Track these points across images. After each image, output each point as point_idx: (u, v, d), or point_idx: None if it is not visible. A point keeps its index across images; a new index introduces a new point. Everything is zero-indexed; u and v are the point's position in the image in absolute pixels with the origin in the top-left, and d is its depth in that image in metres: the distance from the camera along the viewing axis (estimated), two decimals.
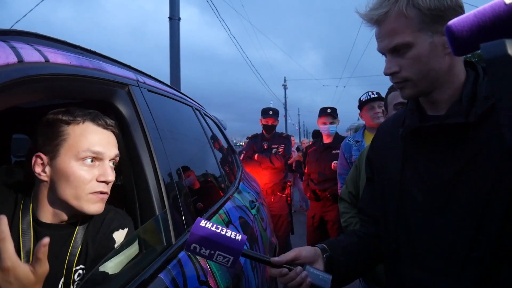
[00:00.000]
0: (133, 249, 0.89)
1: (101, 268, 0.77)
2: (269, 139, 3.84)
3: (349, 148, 2.58)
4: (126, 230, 0.93)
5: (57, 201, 0.86)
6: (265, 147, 3.80)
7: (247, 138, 4.16)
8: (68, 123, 0.87)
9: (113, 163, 0.92)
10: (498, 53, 0.34)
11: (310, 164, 3.48)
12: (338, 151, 3.22)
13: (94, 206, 0.86)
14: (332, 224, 3.23)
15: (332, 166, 3.20)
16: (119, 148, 1.07)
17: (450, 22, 0.43)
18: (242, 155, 3.84)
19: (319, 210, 3.31)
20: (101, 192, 0.87)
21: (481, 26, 0.40)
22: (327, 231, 3.29)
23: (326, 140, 3.37)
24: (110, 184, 0.90)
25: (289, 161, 4.01)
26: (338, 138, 3.31)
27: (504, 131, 0.34)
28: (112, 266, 0.80)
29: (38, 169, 0.85)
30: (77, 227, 0.90)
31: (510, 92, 0.34)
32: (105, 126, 0.91)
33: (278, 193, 3.75)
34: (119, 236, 0.92)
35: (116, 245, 0.89)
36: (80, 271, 0.87)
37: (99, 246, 0.89)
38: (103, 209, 0.89)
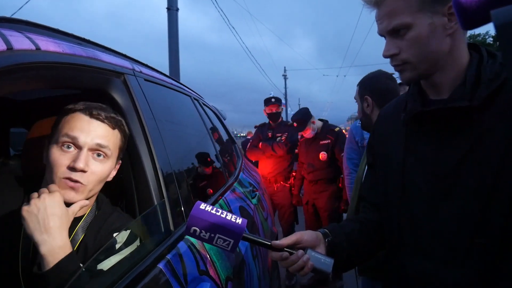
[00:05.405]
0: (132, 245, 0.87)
1: (99, 260, 0.76)
2: (274, 127, 3.84)
3: (361, 132, 2.34)
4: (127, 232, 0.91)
5: None
6: (270, 135, 3.80)
7: (255, 127, 4.16)
8: (65, 112, 0.88)
9: (98, 155, 0.88)
10: (510, 18, 0.32)
11: (301, 154, 3.51)
12: (325, 142, 3.21)
13: (64, 192, 0.82)
14: (324, 211, 3.24)
15: (320, 157, 3.20)
16: None
17: None
18: (249, 144, 3.90)
19: (311, 197, 3.34)
20: (71, 179, 0.83)
21: None
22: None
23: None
24: (87, 175, 0.85)
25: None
26: (326, 129, 3.30)
27: None
28: (109, 259, 0.79)
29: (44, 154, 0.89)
30: (79, 223, 0.89)
31: None
32: (91, 115, 0.88)
33: (282, 182, 3.72)
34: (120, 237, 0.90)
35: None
36: None
37: (99, 245, 0.87)
38: (76, 199, 0.84)
